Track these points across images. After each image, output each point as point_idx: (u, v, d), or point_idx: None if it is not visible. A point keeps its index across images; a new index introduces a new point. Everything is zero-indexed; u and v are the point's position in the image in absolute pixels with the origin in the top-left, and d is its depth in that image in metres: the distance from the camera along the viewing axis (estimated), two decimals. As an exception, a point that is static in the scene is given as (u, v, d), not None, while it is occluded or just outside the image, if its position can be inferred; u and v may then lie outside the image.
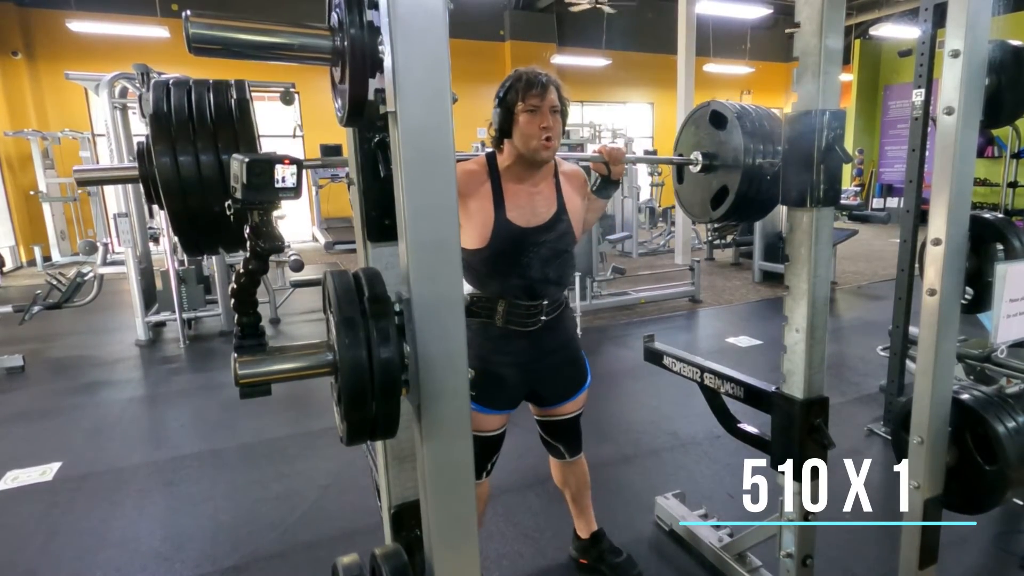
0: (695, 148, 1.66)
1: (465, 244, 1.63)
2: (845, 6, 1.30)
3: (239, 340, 0.83)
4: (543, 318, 1.69)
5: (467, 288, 1.70)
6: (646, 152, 10.84)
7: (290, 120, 10.35)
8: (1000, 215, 1.55)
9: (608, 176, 1.70)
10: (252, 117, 0.91)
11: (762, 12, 11.54)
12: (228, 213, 0.76)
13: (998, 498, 1.43)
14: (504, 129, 1.60)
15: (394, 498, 1.17)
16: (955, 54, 1.24)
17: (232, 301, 0.83)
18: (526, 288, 1.66)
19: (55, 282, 4.20)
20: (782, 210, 1.50)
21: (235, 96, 0.91)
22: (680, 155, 1.74)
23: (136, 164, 0.90)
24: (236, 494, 2.58)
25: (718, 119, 1.60)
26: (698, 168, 1.63)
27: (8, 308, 4.24)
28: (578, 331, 1.82)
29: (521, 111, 1.55)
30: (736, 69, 13.37)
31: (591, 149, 1.70)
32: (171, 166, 0.82)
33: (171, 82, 0.90)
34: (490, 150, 1.69)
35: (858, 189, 12.02)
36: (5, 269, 7.81)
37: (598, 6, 9.57)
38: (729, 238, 7.61)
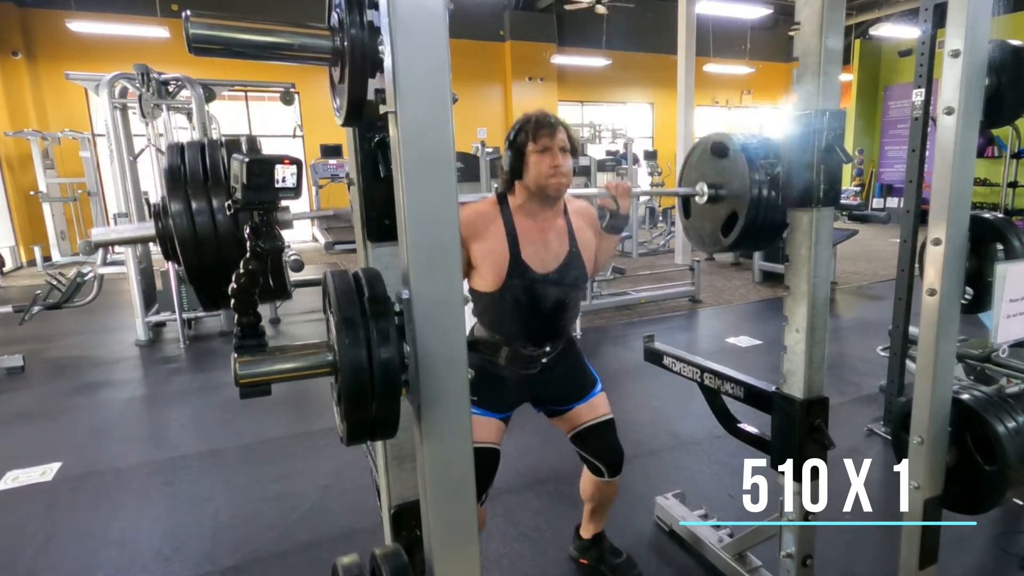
0: (699, 180, 1.68)
1: (477, 286, 1.65)
2: (845, 6, 1.30)
3: (239, 340, 0.83)
4: (543, 361, 1.72)
5: (469, 318, 1.70)
6: (646, 152, 10.84)
7: (290, 120, 10.35)
8: (1000, 215, 1.55)
9: (617, 211, 1.71)
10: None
11: (762, 12, 11.54)
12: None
13: (998, 498, 1.43)
14: (515, 170, 1.62)
15: (394, 498, 1.17)
16: (955, 54, 1.24)
17: (232, 301, 0.83)
18: (532, 335, 1.69)
19: (55, 282, 4.19)
20: (782, 210, 1.50)
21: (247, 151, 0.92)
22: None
23: (152, 223, 0.92)
24: (236, 494, 2.57)
25: (720, 149, 1.61)
26: (704, 199, 1.64)
27: (8, 308, 4.24)
28: (578, 333, 1.81)
29: (532, 151, 1.57)
30: (736, 69, 13.37)
31: (599, 185, 1.71)
32: (187, 224, 0.84)
33: (185, 143, 0.92)
34: (500, 191, 1.70)
35: (858, 189, 12.03)
36: (5, 269, 7.81)
37: (599, 6, 9.57)
38: (729, 238, 7.60)
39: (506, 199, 1.67)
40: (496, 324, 1.69)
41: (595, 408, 1.81)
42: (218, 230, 0.85)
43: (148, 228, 0.92)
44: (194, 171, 0.86)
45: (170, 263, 4.63)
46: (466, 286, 1.68)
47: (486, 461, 1.67)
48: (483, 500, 1.70)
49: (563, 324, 1.75)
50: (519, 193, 1.65)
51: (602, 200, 1.72)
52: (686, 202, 1.75)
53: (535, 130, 1.58)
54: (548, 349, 1.72)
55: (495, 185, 1.73)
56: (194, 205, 0.84)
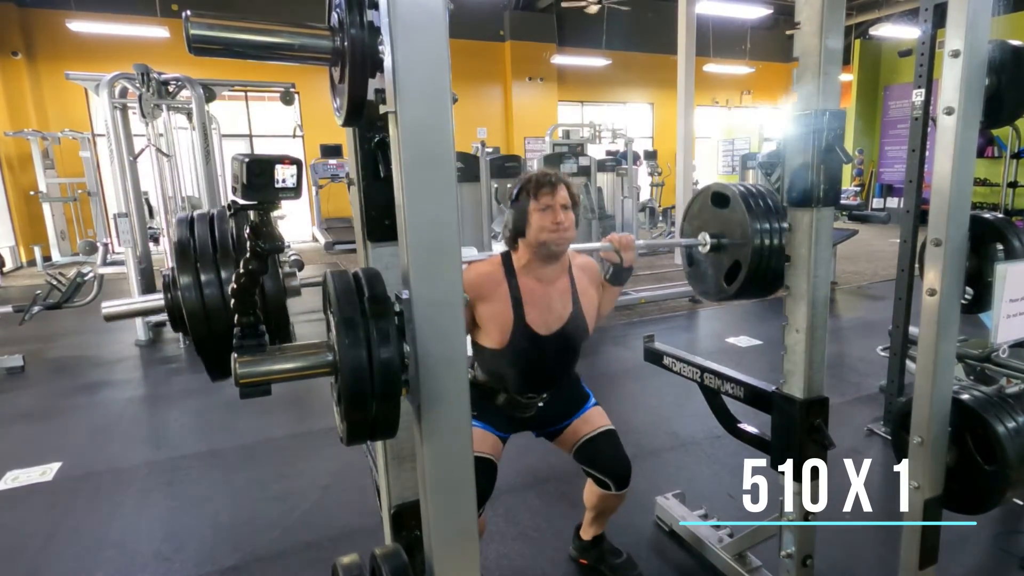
0: (700, 230, 1.71)
1: (481, 341, 1.69)
2: (845, 6, 1.30)
3: (239, 340, 0.83)
4: (540, 405, 1.75)
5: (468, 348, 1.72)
6: (646, 152, 10.84)
7: (290, 120, 10.35)
8: (1000, 215, 1.55)
9: (620, 264, 1.73)
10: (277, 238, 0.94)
11: (762, 12, 11.54)
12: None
13: (998, 498, 1.43)
14: (518, 228, 1.65)
15: (394, 498, 1.17)
16: (955, 54, 1.24)
17: (232, 301, 0.83)
18: (531, 387, 1.73)
19: (55, 282, 4.19)
20: (782, 210, 1.50)
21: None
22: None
23: (162, 295, 0.93)
24: (236, 494, 2.57)
25: (720, 199, 1.63)
26: (707, 248, 1.66)
27: (8, 308, 4.24)
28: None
29: (534, 209, 1.60)
30: (736, 69, 13.37)
31: (602, 242, 1.75)
32: (195, 297, 0.85)
33: (195, 215, 0.93)
34: (505, 250, 1.73)
35: (858, 189, 12.03)
36: (5, 269, 7.81)
37: (598, 5, 9.56)
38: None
39: (511, 259, 1.70)
40: (496, 375, 1.73)
41: (591, 421, 1.82)
42: (227, 302, 0.86)
43: (158, 300, 0.93)
44: (203, 244, 0.87)
45: (169, 264, 4.64)
46: (469, 340, 1.72)
47: (482, 471, 1.67)
48: (481, 512, 1.70)
49: (562, 376, 1.80)
50: (523, 251, 1.68)
51: (605, 253, 1.74)
52: (689, 254, 1.78)
53: (536, 189, 1.61)
54: (545, 396, 1.76)
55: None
56: (203, 277, 0.85)
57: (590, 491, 1.89)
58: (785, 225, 1.48)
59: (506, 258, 1.71)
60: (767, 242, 1.51)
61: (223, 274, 0.90)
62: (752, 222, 1.52)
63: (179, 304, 0.87)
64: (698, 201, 1.72)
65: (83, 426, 3.32)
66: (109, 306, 0.96)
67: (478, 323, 1.67)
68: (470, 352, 1.73)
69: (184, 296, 0.85)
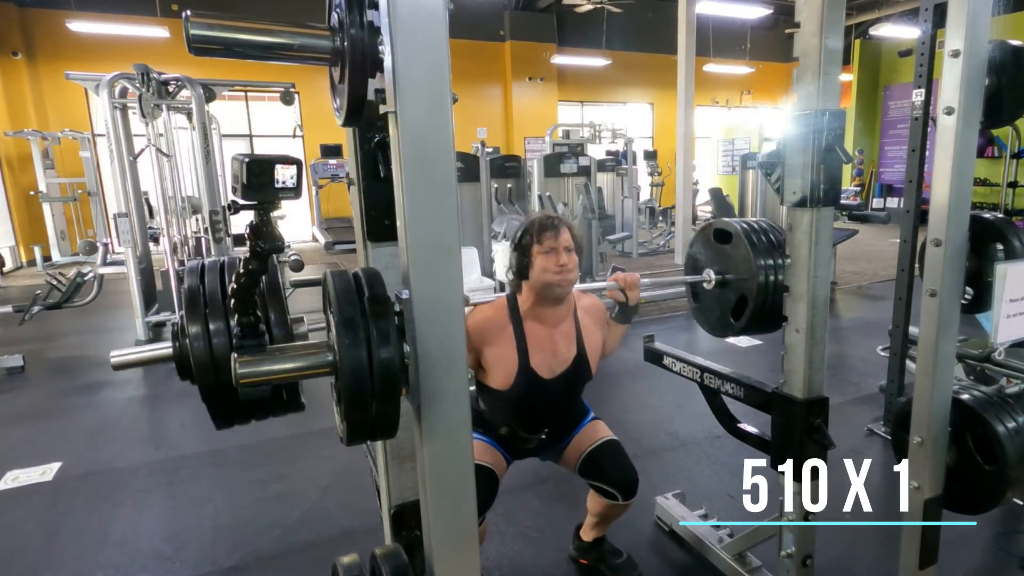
0: (704, 267, 1.73)
1: (486, 382, 1.71)
2: (845, 6, 1.30)
3: (239, 340, 0.83)
4: (542, 438, 1.79)
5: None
6: (646, 152, 10.84)
7: (290, 120, 10.35)
8: (1000, 215, 1.55)
9: (626, 303, 1.75)
10: (282, 293, 0.94)
11: (762, 12, 11.53)
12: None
13: (998, 498, 1.43)
14: (522, 272, 1.67)
15: (394, 498, 1.17)
16: (955, 54, 1.24)
17: (232, 301, 0.83)
18: (533, 425, 1.77)
19: (55, 282, 4.19)
20: (782, 210, 1.51)
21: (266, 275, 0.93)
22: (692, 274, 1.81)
23: (171, 344, 0.93)
24: (236, 494, 2.57)
25: (723, 235, 1.65)
26: (712, 285, 1.67)
27: (8, 308, 4.24)
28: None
29: (537, 252, 1.62)
30: (736, 69, 13.37)
31: (607, 279, 1.78)
32: (204, 348, 0.85)
33: (206, 263, 0.93)
34: (509, 293, 1.75)
35: (858, 189, 12.02)
36: (5, 269, 7.81)
37: (598, 6, 9.56)
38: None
39: (516, 301, 1.71)
40: (501, 415, 1.76)
41: (591, 434, 1.83)
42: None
43: (166, 349, 0.94)
44: (212, 293, 0.87)
45: (170, 264, 4.64)
46: (472, 378, 1.75)
47: (482, 479, 1.67)
48: (481, 520, 1.71)
49: (564, 415, 1.82)
50: (527, 294, 1.70)
51: (611, 293, 1.76)
52: (694, 291, 1.79)
53: (539, 232, 1.63)
54: (546, 432, 1.80)
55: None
56: (211, 327, 0.85)
57: (594, 501, 1.89)
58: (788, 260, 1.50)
59: (511, 301, 1.72)
60: (771, 278, 1.55)
61: (232, 326, 0.90)
62: (756, 258, 1.55)
63: (187, 353, 0.87)
64: (700, 238, 1.75)
65: (83, 426, 3.32)
66: (117, 355, 0.96)
67: (483, 366, 1.69)
68: (472, 388, 1.76)
69: (192, 346, 0.86)
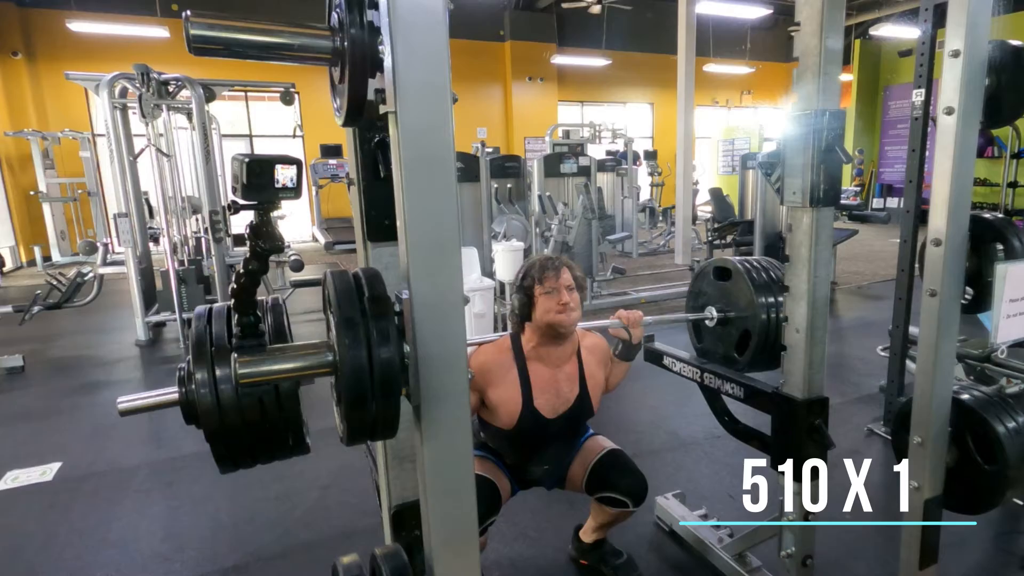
0: (706, 306, 1.76)
1: (489, 420, 1.73)
2: (845, 6, 1.30)
3: (239, 340, 0.83)
4: (545, 467, 1.82)
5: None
6: (646, 152, 10.84)
7: (290, 120, 10.35)
8: (1000, 215, 1.55)
9: (629, 340, 1.77)
10: (288, 334, 0.94)
11: (762, 12, 11.54)
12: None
13: (998, 498, 1.43)
14: (525, 312, 1.69)
15: (394, 498, 1.17)
16: (955, 54, 1.24)
17: (232, 301, 0.83)
18: (535, 460, 1.79)
19: (55, 282, 4.19)
20: (782, 210, 1.51)
21: (272, 320, 0.94)
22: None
23: (177, 390, 0.94)
24: (236, 494, 2.57)
25: (723, 273, 1.68)
26: (714, 322, 1.69)
27: (8, 308, 4.24)
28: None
29: (540, 293, 1.64)
30: (736, 69, 13.37)
31: (611, 319, 1.81)
32: (210, 395, 0.86)
33: (213, 308, 0.93)
34: (512, 333, 1.77)
35: (858, 189, 12.02)
36: (5, 269, 7.81)
37: (598, 5, 9.56)
38: (729, 238, 7.61)
39: (519, 342, 1.73)
40: (503, 450, 1.80)
41: (593, 448, 1.83)
42: (240, 400, 0.87)
43: (172, 394, 0.95)
44: (219, 338, 0.88)
45: (170, 264, 4.64)
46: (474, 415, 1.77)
47: (485, 488, 1.69)
48: (483, 533, 1.72)
49: (565, 452, 1.84)
50: (530, 335, 1.71)
51: (614, 331, 1.78)
52: (697, 329, 1.80)
53: (540, 273, 1.65)
54: (547, 467, 1.82)
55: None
56: (218, 373, 0.86)
57: (600, 510, 1.88)
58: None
59: (515, 341, 1.73)
60: (773, 314, 1.57)
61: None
62: (757, 294, 1.57)
63: (193, 400, 0.88)
64: (701, 279, 1.77)
65: (83, 426, 3.32)
66: (125, 401, 0.97)
67: (487, 405, 1.71)
68: (474, 421, 1.78)
69: (199, 393, 0.87)
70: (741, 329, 1.62)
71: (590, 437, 1.88)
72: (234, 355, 0.80)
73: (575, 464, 1.83)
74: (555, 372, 1.73)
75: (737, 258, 1.69)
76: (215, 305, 0.93)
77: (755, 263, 1.64)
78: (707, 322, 1.71)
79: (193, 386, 0.87)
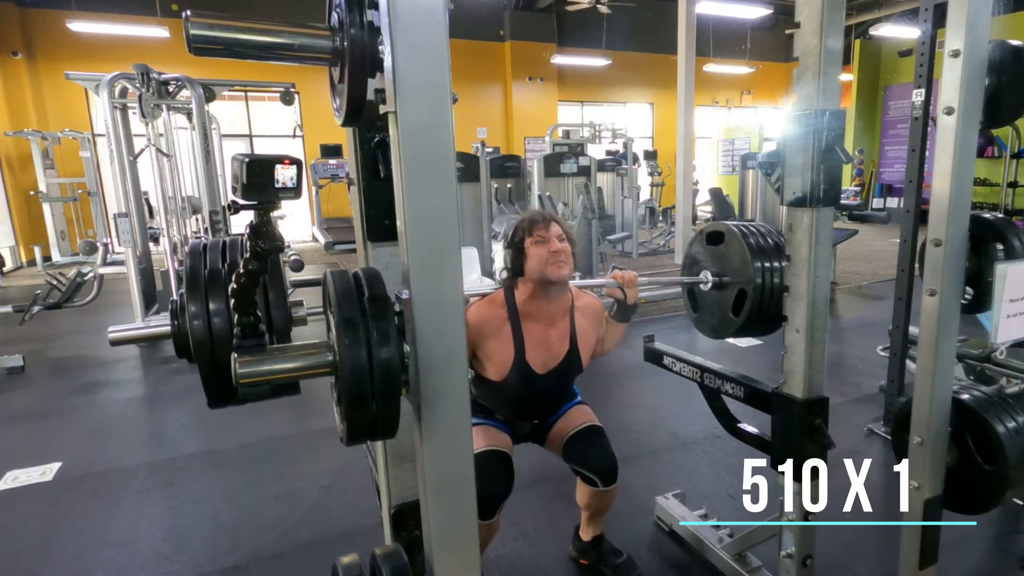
0: (701, 272, 1.74)
1: (481, 373, 1.74)
2: (845, 6, 1.30)
3: (239, 340, 0.83)
4: (535, 422, 1.85)
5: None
6: (646, 152, 10.84)
7: (290, 120, 10.35)
8: (1000, 215, 1.55)
9: (624, 301, 1.77)
10: (283, 273, 0.94)
11: (762, 12, 11.53)
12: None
13: (998, 498, 1.43)
14: (517, 267, 1.69)
15: (394, 498, 1.17)
16: (955, 54, 1.24)
17: (232, 301, 0.83)
18: (525, 415, 1.82)
19: (55, 282, 4.19)
20: (782, 210, 1.51)
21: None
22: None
23: (169, 321, 0.94)
24: (236, 494, 2.57)
25: (715, 237, 1.66)
26: (709, 286, 1.68)
27: (8, 308, 4.24)
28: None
29: (530, 244, 1.65)
30: (736, 69, 13.37)
31: (606, 279, 1.82)
32: (203, 327, 0.85)
33: (208, 243, 0.93)
34: (505, 288, 1.76)
35: (858, 189, 12.02)
36: (5, 269, 7.81)
37: (598, 6, 9.57)
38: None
39: (512, 298, 1.73)
40: (494, 404, 1.81)
41: (573, 419, 1.85)
42: (233, 333, 0.86)
43: (164, 326, 0.94)
44: (213, 272, 0.87)
45: (170, 264, 4.64)
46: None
47: (499, 463, 1.71)
48: (498, 512, 1.72)
49: (554, 406, 1.86)
50: (523, 289, 1.72)
51: (609, 290, 1.78)
52: (692, 296, 1.79)
53: (530, 226, 1.68)
54: (536, 422, 1.85)
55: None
56: (211, 306, 0.85)
57: (580, 490, 1.91)
58: (782, 246, 1.49)
59: (508, 296, 1.74)
60: (768, 273, 1.54)
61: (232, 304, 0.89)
62: (750, 253, 1.55)
63: (186, 332, 0.87)
64: (694, 246, 1.76)
65: (83, 426, 3.32)
66: (115, 330, 0.97)
67: (479, 357, 1.72)
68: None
69: (192, 325, 0.85)
70: (736, 290, 1.60)
71: (577, 405, 1.89)
72: (234, 355, 0.80)
73: (557, 425, 1.85)
74: (547, 329, 1.74)
75: (730, 222, 1.68)
76: (209, 240, 0.93)
77: (748, 226, 1.63)
78: (702, 286, 1.69)
79: (186, 318, 0.86)
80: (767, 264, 1.54)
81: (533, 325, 1.72)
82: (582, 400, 1.92)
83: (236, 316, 0.83)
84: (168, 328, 0.94)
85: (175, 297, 0.93)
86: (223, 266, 0.92)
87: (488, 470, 1.66)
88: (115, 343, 0.98)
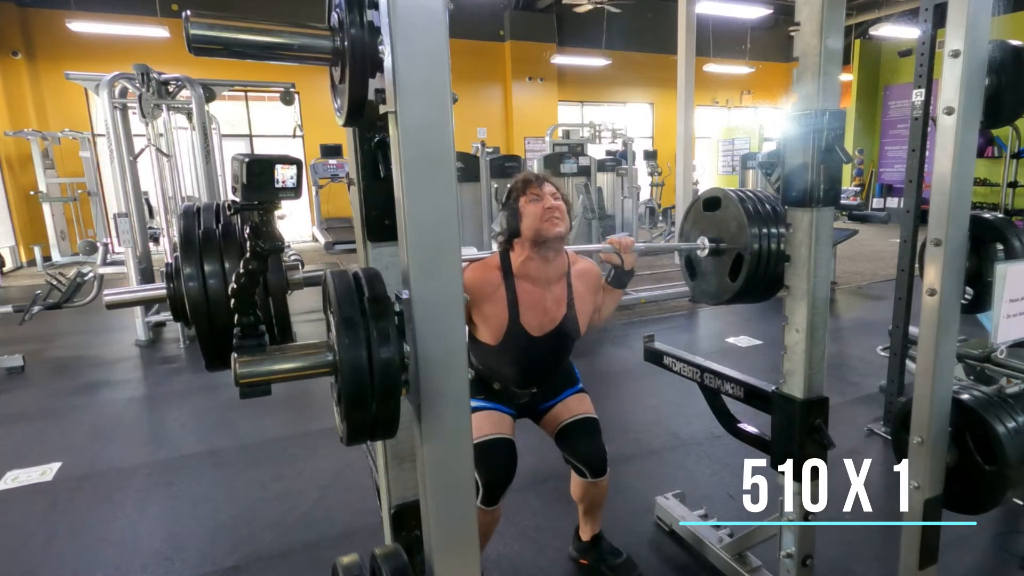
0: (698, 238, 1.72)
1: (477, 336, 1.73)
2: (845, 6, 1.30)
3: (239, 340, 0.82)
4: (534, 391, 1.82)
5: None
6: (646, 152, 10.83)
7: (290, 120, 10.35)
8: (1000, 215, 1.55)
9: (621, 266, 1.76)
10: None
11: (762, 12, 11.54)
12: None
13: (998, 498, 1.43)
14: (513, 227, 1.68)
15: (394, 498, 1.17)
16: (955, 54, 1.24)
17: (232, 301, 0.83)
18: (522, 381, 1.79)
19: (55, 282, 4.19)
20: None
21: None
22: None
23: (164, 285, 0.93)
24: (236, 494, 2.57)
25: (711, 203, 1.64)
26: (706, 252, 1.67)
27: (8, 308, 4.24)
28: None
29: (525, 203, 1.65)
30: (736, 69, 13.37)
31: (604, 241, 1.78)
32: (198, 288, 0.85)
33: (201, 206, 0.93)
34: (501, 251, 1.75)
35: (858, 189, 12.02)
36: (5, 269, 7.81)
37: (598, 6, 9.57)
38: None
39: (508, 260, 1.72)
40: (489, 368, 1.79)
41: (571, 408, 1.84)
42: (229, 294, 0.86)
43: (160, 289, 0.93)
44: (208, 234, 0.87)
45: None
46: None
47: (503, 451, 1.70)
48: (500, 499, 1.70)
49: (553, 373, 1.85)
50: (519, 250, 1.71)
51: (606, 256, 1.76)
52: (689, 264, 1.78)
53: (524, 186, 1.68)
54: (535, 391, 1.82)
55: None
56: (207, 268, 0.85)
57: (574, 483, 1.92)
58: (780, 213, 1.48)
59: (504, 258, 1.73)
60: (765, 236, 1.51)
61: (227, 265, 0.89)
62: (747, 215, 1.52)
63: (181, 294, 0.86)
64: (691, 214, 1.74)
65: (83, 426, 3.32)
66: (111, 294, 0.96)
67: (474, 320, 1.71)
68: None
69: (188, 286, 0.85)
70: (734, 255, 1.59)
71: (578, 392, 1.88)
72: (234, 355, 0.80)
73: (554, 411, 1.84)
74: (543, 292, 1.72)
75: (725, 188, 1.67)
76: (202, 202, 0.93)
77: (745, 191, 1.62)
78: (699, 252, 1.68)
79: (181, 280, 0.85)
80: (764, 230, 1.51)
81: (529, 287, 1.71)
82: (583, 388, 1.91)
83: (236, 316, 0.83)
84: (164, 291, 0.93)
85: (169, 260, 0.93)
86: (217, 227, 0.91)
87: (492, 458, 1.67)
88: (111, 306, 0.97)
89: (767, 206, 1.55)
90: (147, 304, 0.91)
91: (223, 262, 0.85)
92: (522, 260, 1.70)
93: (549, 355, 1.79)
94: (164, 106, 4.79)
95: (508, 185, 1.74)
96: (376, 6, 0.75)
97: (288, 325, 0.96)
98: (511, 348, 1.71)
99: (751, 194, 1.59)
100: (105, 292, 0.96)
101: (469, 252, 1.75)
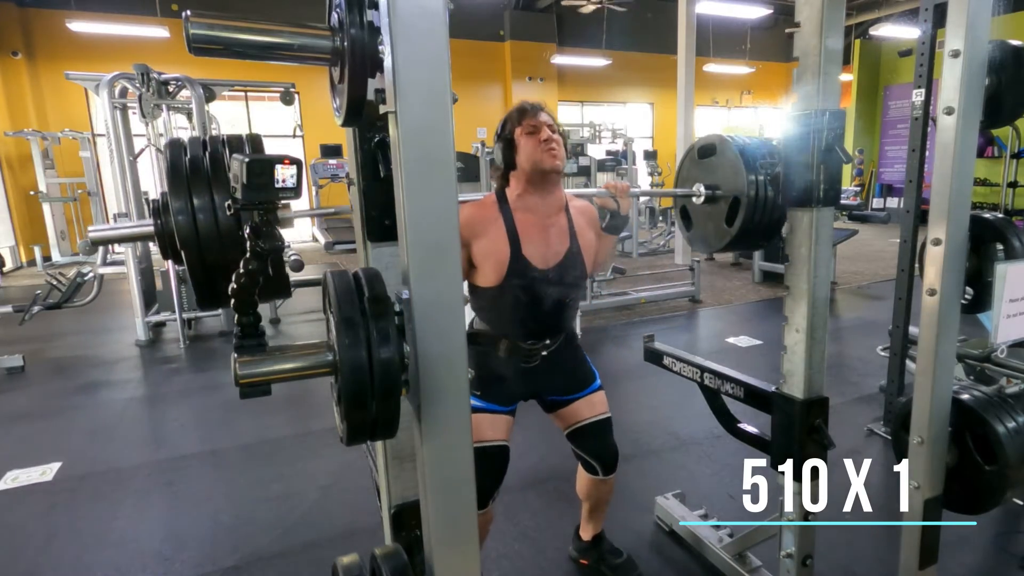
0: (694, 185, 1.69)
1: (477, 282, 1.65)
2: (845, 6, 1.30)
3: (239, 340, 0.82)
4: (544, 354, 1.72)
5: (468, 314, 1.70)
6: (646, 152, 10.83)
7: (290, 120, 10.34)
8: (1000, 215, 1.55)
9: (616, 211, 1.71)
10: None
11: (762, 12, 11.53)
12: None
13: (998, 498, 1.43)
14: (508, 160, 1.64)
15: (394, 498, 1.17)
16: (955, 54, 1.24)
17: (232, 301, 0.83)
18: (531, 331, 1.69)
19: (55, 282, 4.19)
20: (782, 210, 1.50)
21: (249, 149, 0.92)
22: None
23: (151, 221, 0.91)
24: (236, 494, 2.57)
25: (707, 150, 1.62)
26: (702, 199, 1.64)
27: (8, 308, 4.24)
28: (578, 331, 1.83)
29: (521, 135, 1.61)
30: (736, 69, 13.37)
31: (599, 185, 1.74)
32: (188, 222, 0.82)
33: (187, 139, 0.91)
34: (497, 188, 1.71)
35: (858, 189, 12.02)
36: (5, 269, 7.81)
37: (599, 6, 9.57)
38: (729, 238, 7.60)
39: (505, 196, 1.67)
40: (495, 319, 1.69)
41: (594, 406, 1.81)
42: (220, 228, 0.83)
43: (147, 226, 0.91)
44: (196, 167, 0.85)
45: (170, 263, 4.64)
46: (465, 286, 1.69)
47: (497, 460, 1.67)
48: (492, 500, 1.69)
49: (562, 320, 1.74)
50: (515, 184, 1.66)
51: (601, 200, 1.73)
52: (685, 213, 1.76)
53: (519, 116, 1.63)
54: (548, 342, 1.72)
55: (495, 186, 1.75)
56: (196, 202, 0.82)
57: (581, 478, 1.91)
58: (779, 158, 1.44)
59: (500, 196, 1.67)
60: (761, 176, 1.48)
61: (217, 198, 0.86)
62: (742, 159, 1.49)
63: (170, 230, 0.83)
64: (687, 161, 1.70)
65: (83, 426, 3.32)
66: (96, 230, 0.94)
67: (474, 262, 1.62)
68: (466, 292, 1.68)
69: (177, 221, 0.82)
70: (730, 201, 1.55)
71: (598, 391, 1.83)
72: (234, 355, 0.80)
73: (572, 408, 1.79)
74: (544, 222, 1.66)
75: (720, 134, 1.64)
76: (189, 136, 0.91)
77: (741, 136, 1.59)
78: (695, 199, 1.66)
79: (170, 215, 0.83)
80: (758, 171, 1.48)
81: (529, 218, 1.64)
82: (601, 386, 1.86)
83: (236, 316, 0.83)
84: (151, 228, 0.90)
85: (156, 196, 0.91)
86: (204, 155, 0.89)
87: (485, 466, 1.62)
88: (96, 243, 0.95)
89: (763, 151, 1.53)
90: (134, 241, 0.88)
91: (212, 195, 0.83)
92: (518, 194, 1.64)
93: (556, 296, 1.66)
94: (164, 106, 4.79)
95: (502, 119, 1.68)
96: (376, 6, 0.76)
97: (285, 276, 0.94)
98: (515, 288, 1.60)
99: (747, 139, 1.56)
100: (90, 229, 0.94)
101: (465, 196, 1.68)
